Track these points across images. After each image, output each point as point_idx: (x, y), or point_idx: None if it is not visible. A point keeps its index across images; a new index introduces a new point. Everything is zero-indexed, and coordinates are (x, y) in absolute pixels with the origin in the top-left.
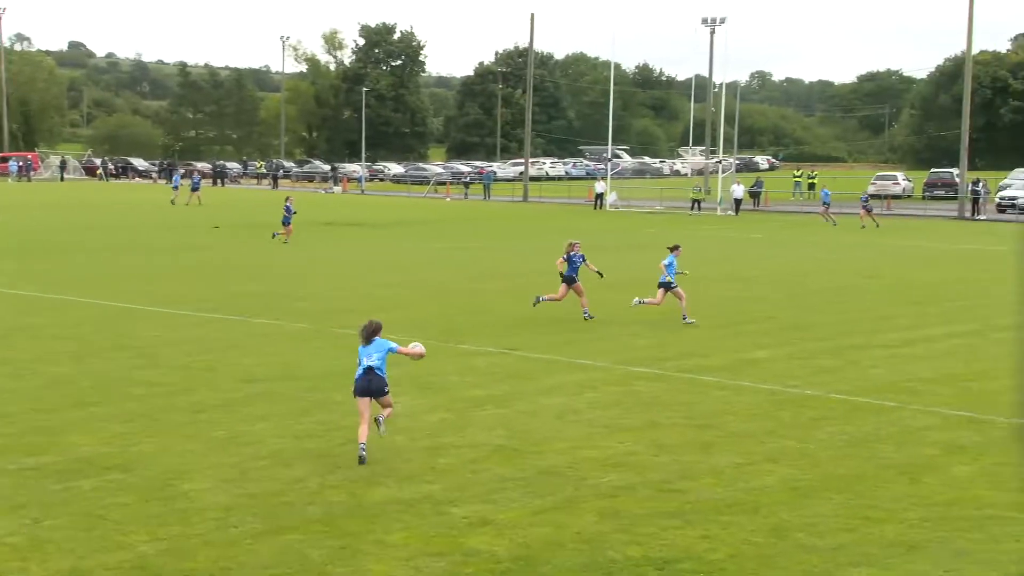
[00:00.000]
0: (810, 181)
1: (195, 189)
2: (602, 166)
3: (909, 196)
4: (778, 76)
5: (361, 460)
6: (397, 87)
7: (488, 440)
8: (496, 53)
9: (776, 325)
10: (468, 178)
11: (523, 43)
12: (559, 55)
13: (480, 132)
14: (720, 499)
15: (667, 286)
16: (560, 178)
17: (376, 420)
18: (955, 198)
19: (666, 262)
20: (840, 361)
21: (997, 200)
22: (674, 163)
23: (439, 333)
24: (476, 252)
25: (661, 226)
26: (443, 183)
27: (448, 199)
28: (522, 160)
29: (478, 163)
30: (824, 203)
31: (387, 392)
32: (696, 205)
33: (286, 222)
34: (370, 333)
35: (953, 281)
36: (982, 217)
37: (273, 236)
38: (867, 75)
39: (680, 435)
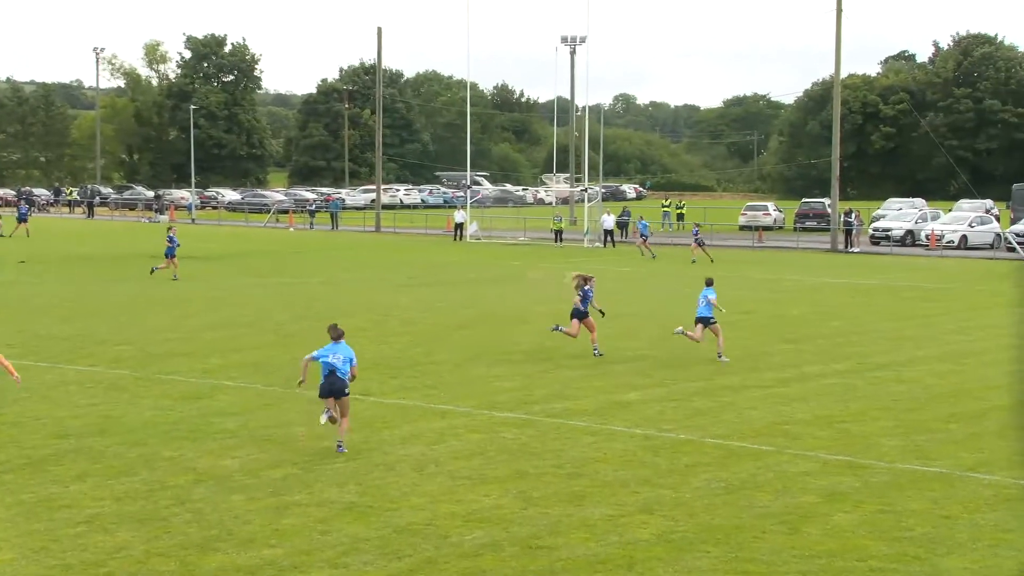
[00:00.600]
0: (679, 211)
1: (22, 220)
2: (461, 194)
3: (780, 227)
4: (643, 99)
5: (339, 448)
6: (230, 105)
7: (339, 497)
8: (340, 69)
9: (648, 364)
10: (313, 206)
11: (370, 59)
12: (410, 73)
13: (326, 155)
14: (593, 555)
15: (705, 321)
16: (416, 206)
17: (338, 445)
18: (827, 229)
19: (707, 297)
20: (715, 403)
21: (871, 231)
22: (538, 191)
23: (283, 379)
24: (322, 287)
25: (526, 258)
26: (285, 211)
27: (292, 229)
28: (373, 186)
29: (324, 189)
30: (642, 235)
31: (347, 394)
32: (558, 236)
33: (169, 254)
34: (340, 333)
35: (828, 316)
36: (856, 249)
37: (152, 271)
38: (733, 99)
39: (549, 486)
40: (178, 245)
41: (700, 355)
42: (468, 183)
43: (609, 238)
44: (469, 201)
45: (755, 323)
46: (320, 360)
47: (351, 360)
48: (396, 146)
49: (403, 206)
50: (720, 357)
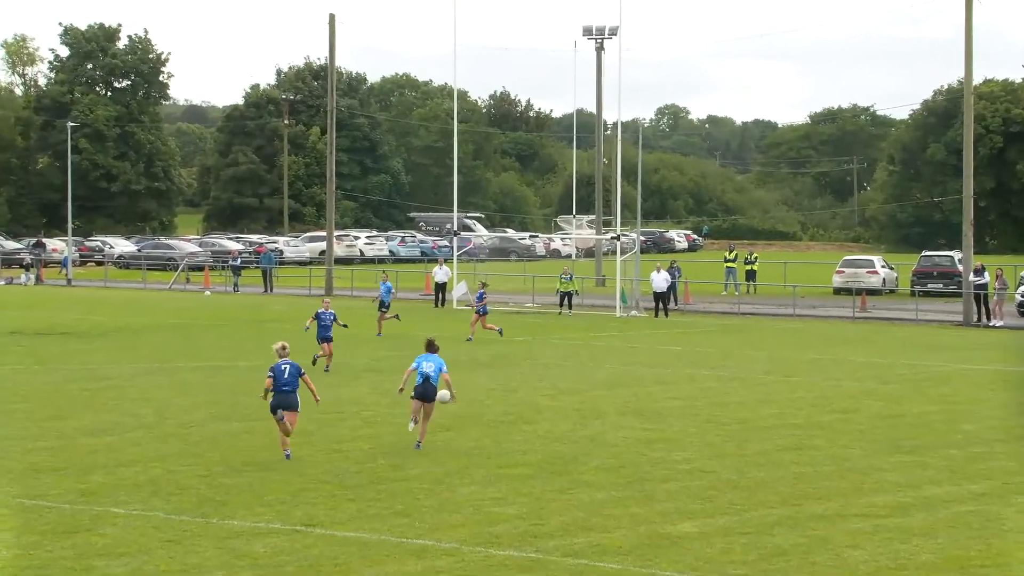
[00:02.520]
0: (749, 267)
1: None
2: (445, 243)
3: (892, 291)
4: (696, 113)
5: (417, 446)
6: (124, 121)
7: None
8: (278, 72)
9: (705, 482)
10: (239, 260)
11: (319, 57)
12: (374, 77)
13: (257, 190)
14: None
15: None
16: (383, 260)
17: (418, 443)
18: (957, 294)
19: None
20: (803, 538)
21: (1019, 298)
22: (551, 238)
23: (193, 503)
24: (252, 375)
25: (535, 332)
26: (199, 268)
27: (208, 293)
28: (323, 233)
29: (254, 238)
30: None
31: (435, 400)
32: (566, 301)
33: None
34: (431, 346)
35: (959, 418)
36: (997, 323)
37: None
38: (824, 114)
39: None
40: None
41: (780, 473)
42: (455, 228)
43: (661, 304)
44: (456, 253)
45: (858, 426)
46: (416, 369)
47: (441, 368)
48: (356, 177)
49: (364, 259)
50: None
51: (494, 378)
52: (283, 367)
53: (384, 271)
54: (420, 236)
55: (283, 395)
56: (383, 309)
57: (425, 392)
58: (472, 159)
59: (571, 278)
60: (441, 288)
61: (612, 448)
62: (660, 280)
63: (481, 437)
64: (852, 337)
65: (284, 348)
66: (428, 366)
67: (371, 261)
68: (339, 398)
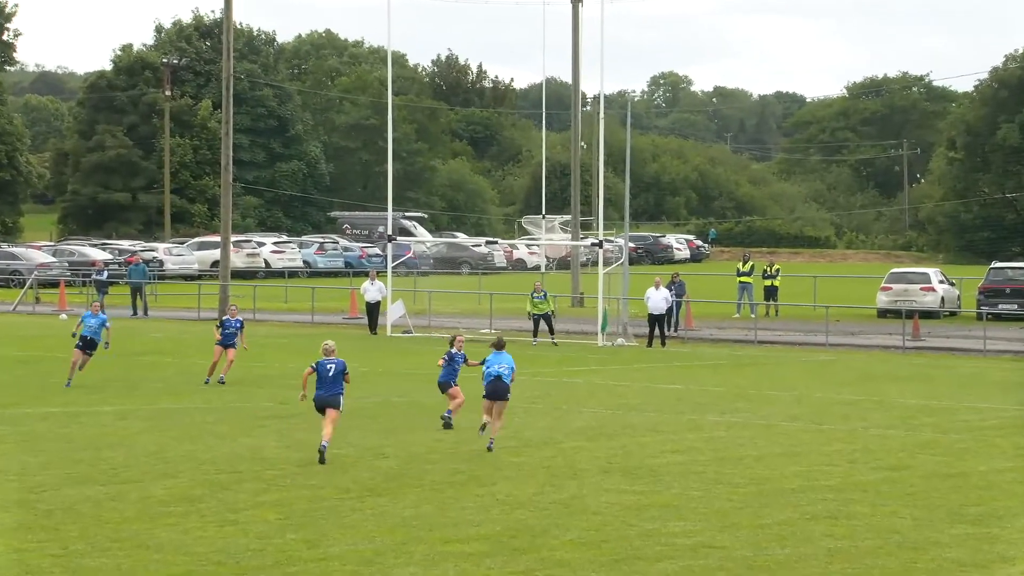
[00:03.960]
0: (769, 282)
1: None
2: (377, 251)
3: (953, 313)
4: (701, 84)
5: (489, 448)
6: None
7: None
8: (157, 30)
9: (712, 561)
10: (104, 274)
11: (211, 9)
12: (286, 36)
13: (129, 182)
14: None
15: None
16: (295, 273)
17: (489, 438)
18: None
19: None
20: None
21: None
22: (515, 245)
23: None
24: (119, 424)
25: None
26: (53, 284)
27: (63, 316)
28: (216, 238)
29: (125, 244)
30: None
31: (508, 399)
32: (544, 326)
33: None
34: (502, 344)
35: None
36: None
37: None
38: (866, 84)
39: None
40: None
41: (810, 547)
42: (390, 231)
43: (657, 331)
44: (391, 265)
45: (909, 488)
46: (486, 368)
47: (512, 367)
48: (260, 165)
49: (270, 272)
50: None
51: (439, 426)
52: (328, 365)
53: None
54: (344, 242)
55: (327, 394)
56: (89, 352)
57: (496, 390)
58: (413, 141)
59: (545, 296)
60: (374, 309)
61: (592, 517)
62: (659, 299)
63: (421, 503)
64: (902, 373)
65: (327, 347)
66: (500, 366)
67: (280, 275)
68: (235, 452)
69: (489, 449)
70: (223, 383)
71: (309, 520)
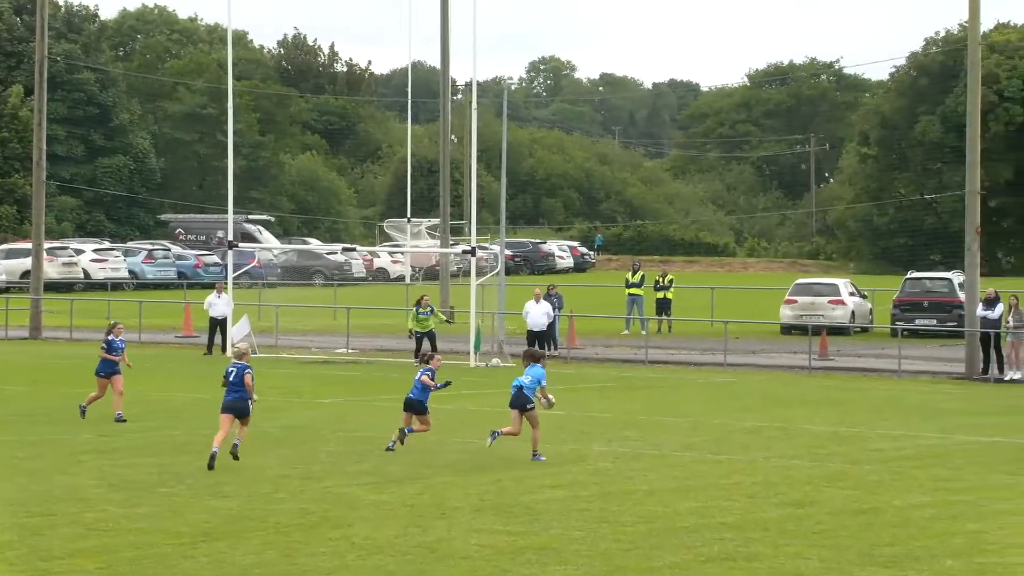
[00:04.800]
0: (662, 294)
1: None
2: (215, 259)
3: (865, 329)
4: (586, 71)
5: (536, 457)
6: None
7: None
8: None
9: None
10: None
11: None
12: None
13: None
14: None
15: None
16: (119, 285)
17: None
18: (958, 334)
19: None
20: None
21: None
22: (376, 252)
23: None
24: None
25: (354, 391)
26: None
27: None
28: (25, 245)
29: None
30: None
31: (531, 408)
32: (429, 343)
33: None
34: (531, 358)
35: (962, 512)
36: (1015, 375)
37: None
38: (770, 72)
39: None
40: None
41: None
42: (231, 237)
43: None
44: (232, 275)
45: (816, 526)
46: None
47: (539, 380)
48: (79, 160)
49: (91, 284)
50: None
51: (287, 460)
52: (230, 369)
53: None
54: (177, 249)
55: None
56: None
57: (517, 400)
58: (258, 133)
59: (432, 312)
60: (217, 326)
61: (461, 562)
62: (539, 314)
63: (266, 548)
64: (808, 396)
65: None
66: (525, 377)
67: (102, 286)
68: (50, 492)
69: (535, 457)
70: (123, 420)
71: (134, 570)
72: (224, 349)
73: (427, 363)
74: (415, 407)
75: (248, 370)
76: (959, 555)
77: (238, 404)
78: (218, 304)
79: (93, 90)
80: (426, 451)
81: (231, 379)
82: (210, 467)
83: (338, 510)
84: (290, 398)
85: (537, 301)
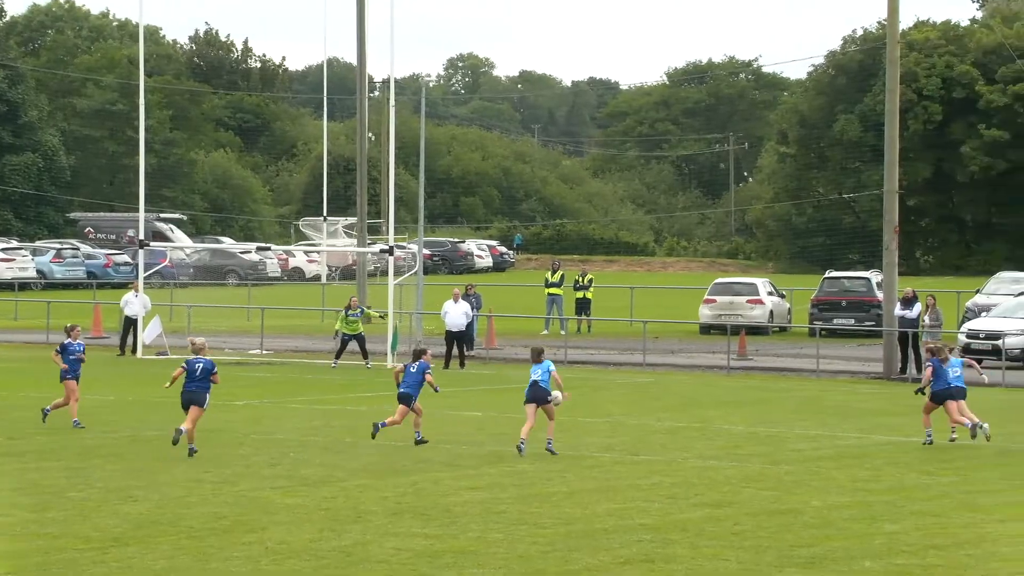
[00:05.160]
0: (581, 294)
1: None
2: (126, 258)
3: (784, 329)
4: (504, 68)
5: (519, 451)
6: None
7: None
8: None
9: None
10: None
11: None
12: (16, 6)
13: None
14: None
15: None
16: (27, 284)
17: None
18: (876, 333)
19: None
20: None
21: (962, 339)
22: (292, 250)
23: None
24: None
25: (269, 392)
26: None
27: None
28: None
29: None
30: None
31: (549, 401)
32: (357, 346)
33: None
34: (538, 354)
35: (880, 513)
36: None
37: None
38: (688, 70)
39: None
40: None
41: None
42: (142, 236)
43: (456, 350)
44: (143, 273)
45: (735, 526)
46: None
47: (549, 371)
48: None
49: None
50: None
51: (199, 464)
52: (197, 364)
53: (78, 326)
54: (87, 248)
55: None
56: None
57: (535, 395)
58: (169, 130)
59: (361, 314)
60: (133, 325)
61: (377, 566)
62: (458, 314)
63: (177, 553)
64: (727, 396)
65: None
66: (537, 372)
67: (9, 286)
68: None
69: (549, 451)
70: (81, 426)
71: (44, 575)
72: (135, 350)
73: (422, 358)
74: (407, 400)
75: (215, 369)
76: (878, 556)
77: (197, 396)
78: (133, 303)
79: (1, 87)
80: (341, 453)
81: (197, 375)
82: (174, 443)
83: (252, 514)
84: (221, 404)
85: (456, 301)
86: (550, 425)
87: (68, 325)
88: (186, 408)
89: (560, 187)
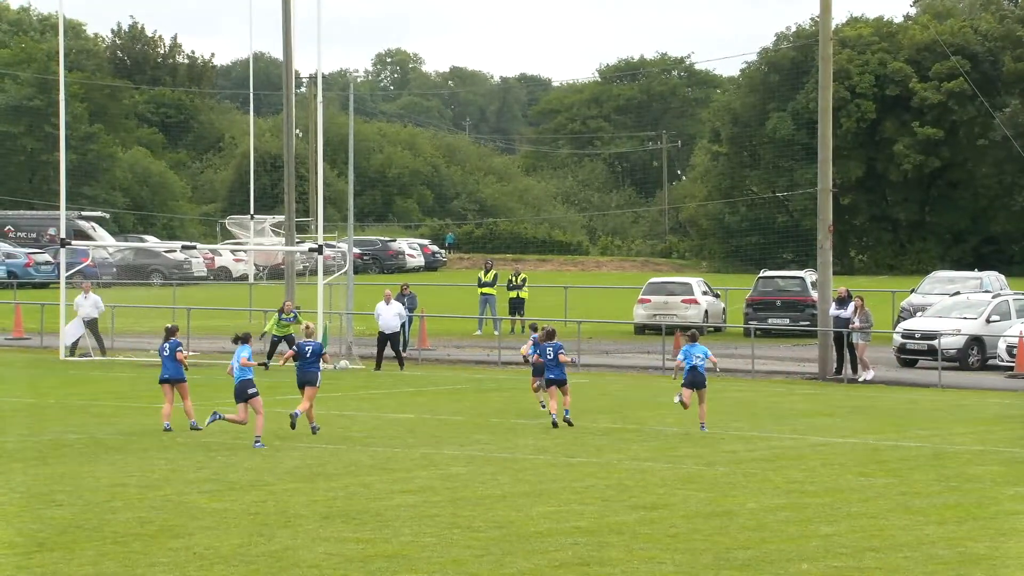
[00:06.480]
0: (515, 293)
1: None
2: (49, 259)
3: (718, 329)
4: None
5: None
6: None
7: None
8: None
9: None
10: None
11: None
12: None
13: None
14: None
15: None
16: None
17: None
18: (811, 333)
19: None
20: None
21: (897, 339)
22: (218, 248)
23: None
24: None
25: (196, 394)
26: None
27: None
28: None
29: None
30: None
31: (705, 386)
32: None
33: None
34: (695, 336)
35: (816, 515)
36: (867, 376)
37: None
38: (620, 67)
39: None
40: None
41: None
42: (63, 234)
43: (390, 349)
44: (65, 274)
45: (670, 529)
46: (685, 360)
47: (707, 354)
48: None
49: None
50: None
51: (124, 468)
52: (307, 347)
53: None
54: (7, 247)
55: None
56: None
57: (695, 380)
58: (87, 125)
59: (295, 318)
60: (89, 326)
61: (308, 570)
62: (391, 315)
63: (102, 559)
64: (661, 398)
65: (308, 327)
66: (696, 357)
67: None
68: None
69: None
70: None
71: None
72: (73, 351)
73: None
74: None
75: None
76: (814, 558)
77: (310, 375)
78: (84, 305)
79: None
80: (269, 456)
81: (308, 356)
82: (292, 427)
83: (178, 519)
84: (126, 403)
85: (387, 302)
86: (702, 408)
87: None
88: (301, 388)
89: (492, 185)
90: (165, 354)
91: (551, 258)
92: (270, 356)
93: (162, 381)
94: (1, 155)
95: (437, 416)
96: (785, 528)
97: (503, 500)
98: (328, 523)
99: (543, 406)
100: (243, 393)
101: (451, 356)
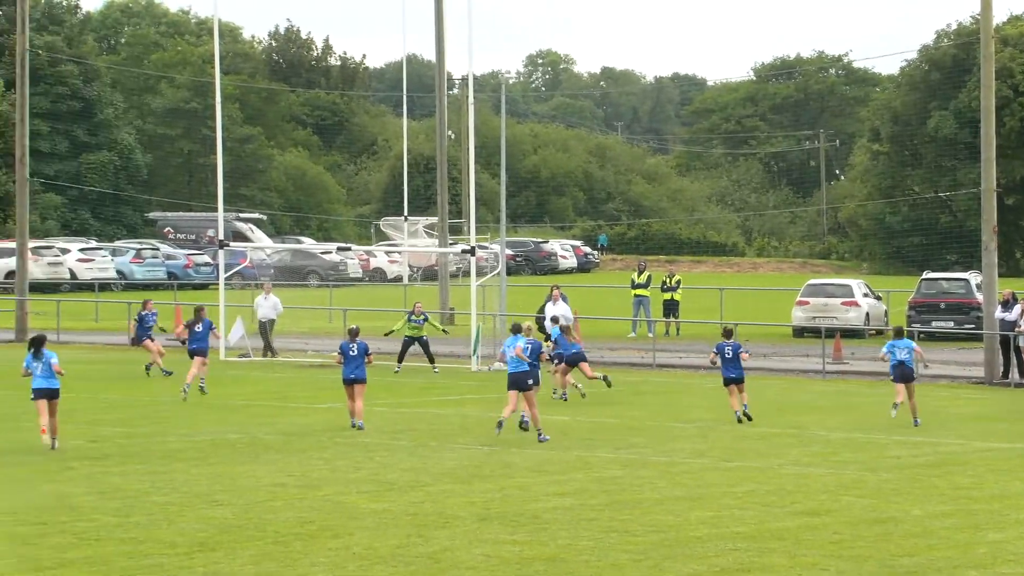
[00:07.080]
0: (669, 295)
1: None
2: (206, 259)
3: (879, 332)
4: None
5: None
6: None
7: None
8: None
9: None
10: None
11: None
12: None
13: None
14: None
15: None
16: (107, 285)
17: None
18: (978, 336)
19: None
20: None
21: None
22: (373, 250)
23: None
24: None
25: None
26: None
27: None
28: (9, 244)
29: None
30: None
31: (914, 379)
32: (421, 349)
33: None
34: (901, 331)
35: (983, 521)
36: None
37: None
38: (776, 66)
39: None
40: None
41: None
42: (222, 236)
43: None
44: (224, 275)
45: (833, 535)
46: (892, 355)
47: (912, 348)
48: (63, 157)
49: (78, 285)
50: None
51: (284, 467)
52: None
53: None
54: (166, 248)
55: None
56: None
57: (903, 374)
58: (246, 126)
59: (425, 320)
60: (265, 327)
61: (467, 572)
62: (559, 314)
63: (263, 559)
64: (822, 401)
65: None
66: (902, 351)
67: (89, 287)
68: (39, 502)
69: (916, 424)
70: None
71: None
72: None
73: (519, 332)
74: (520, 384)
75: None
76: (981, 566)
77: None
78: (264, 305)
79: (76, 84)
80: (425, 457)
81: (352, 354)
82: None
83: (337, 519)
84: (285, 403)
85: (554, 302)
86: (913, 402)
87: (148, 301)
88: (350, 386)
89: (645, 186)
90: (352, 353)
91: (706, 259)
92: (401, 358)
93: (347, 381)
94: (159, 157)
95: (591, 419)
96: (952, 535)
97: (660, 504)
98: (485, 525)
99: (555, 392)
100: (521, 383)
101: (604, 358)
